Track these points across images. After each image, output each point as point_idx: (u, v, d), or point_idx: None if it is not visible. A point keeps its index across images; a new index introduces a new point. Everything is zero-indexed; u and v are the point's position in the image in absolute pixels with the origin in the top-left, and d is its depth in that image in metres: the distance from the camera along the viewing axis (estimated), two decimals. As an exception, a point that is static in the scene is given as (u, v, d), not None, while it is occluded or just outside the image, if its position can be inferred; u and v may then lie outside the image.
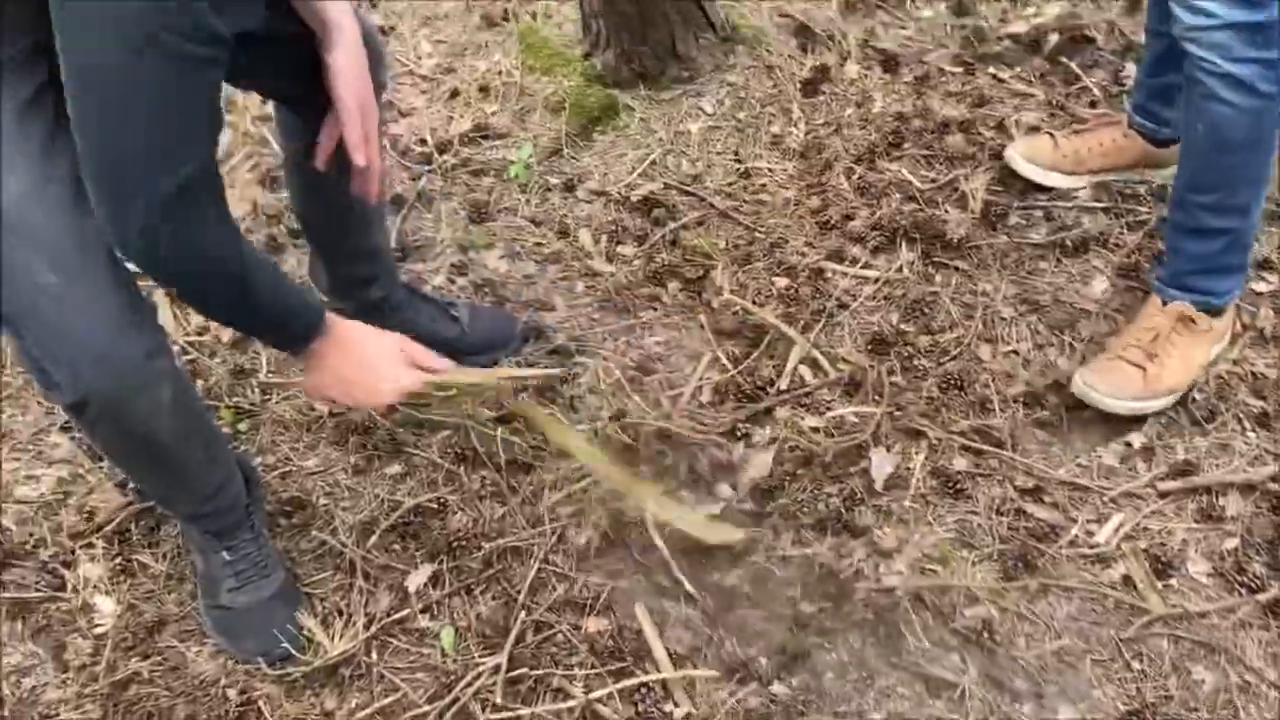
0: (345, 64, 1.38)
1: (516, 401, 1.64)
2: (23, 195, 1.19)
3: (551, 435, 1.70)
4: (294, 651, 1.57)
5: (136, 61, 1.06)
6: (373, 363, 1.41)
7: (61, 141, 1.25)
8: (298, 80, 1.45)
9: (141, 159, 1.11)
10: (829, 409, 1.84)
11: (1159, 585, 1.60)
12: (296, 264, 2.11)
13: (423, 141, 2.33)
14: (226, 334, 2.01)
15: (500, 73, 2.45)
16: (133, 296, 1.30)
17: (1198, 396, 1.81)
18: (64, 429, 1.87)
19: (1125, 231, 2.06)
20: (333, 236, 1.75)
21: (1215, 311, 1.81)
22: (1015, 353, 1.90)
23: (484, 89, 2.42)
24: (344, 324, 1.40)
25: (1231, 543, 1.65)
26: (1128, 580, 1.61)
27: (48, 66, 1.26)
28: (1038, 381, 1.85)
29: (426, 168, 2.28)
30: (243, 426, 1.88)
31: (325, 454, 1.84)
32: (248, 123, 2.38)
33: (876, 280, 2.02)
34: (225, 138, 2.39)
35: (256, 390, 1.92)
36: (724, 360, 1.92)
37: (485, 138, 2.33)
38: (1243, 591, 1.59)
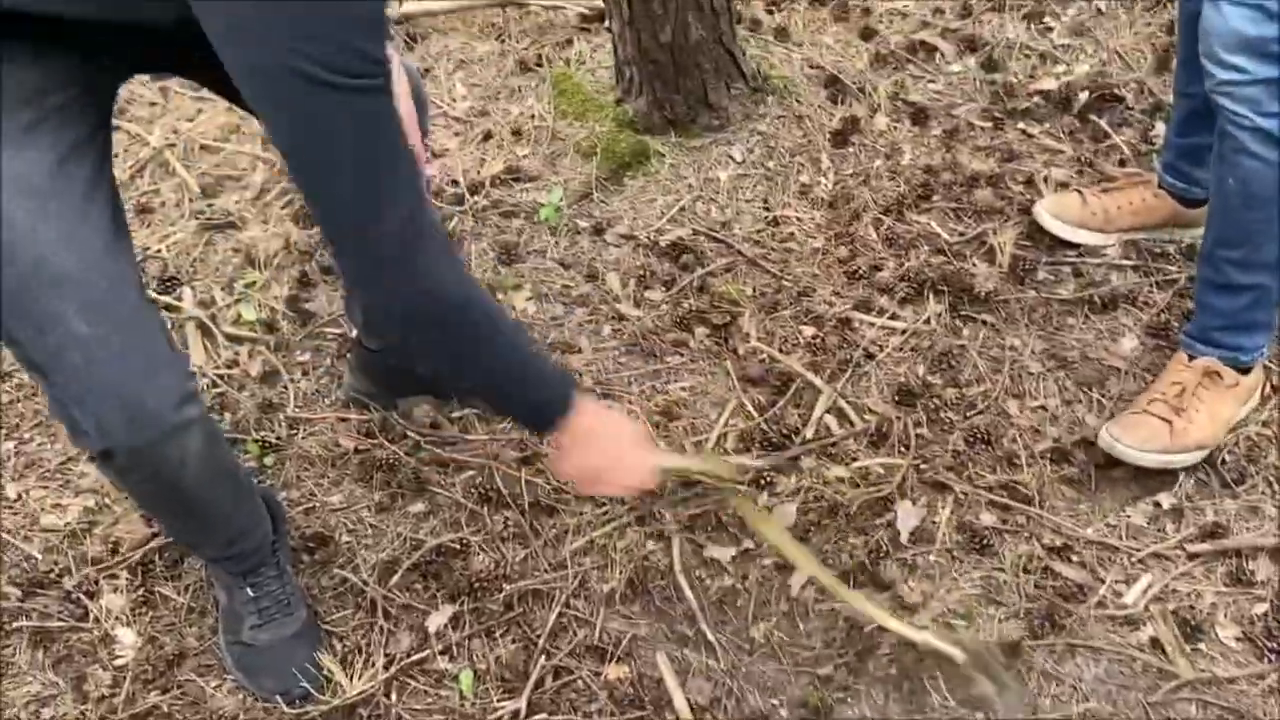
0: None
1: (741, 496, 1.57)
2: (57, 243, 1.19)
3: (768, 537, 1.59)
4: (313, 691, 1.57)
5: (306, 101, 1.04)
6: (629, 451, 1.37)
7: (102, 188, 1.26)
8: None
9: (348, 202, 1.10)
10: (855, 459, 1.83)
11: (1187, 649, 1.58)
12: (327, 301, 2.13)
13: (454, 183, 2.35)
14: (255, 367, 2.03)
15: (533, 117, 2.48)
16: (165, 344, 1.30)
17: (1227, 458, 1.79)
18: (92, 459, 1.88)
19: (1155, 290, 2.06)
20: None
21: (1242, 368, 1.80)
22: (1043, 408, 1.89)
23: (516, 132, 2.45)
24: (594, 402, 1.38)
25: (1261, 608, 1.63)
26: (1156, 643, 1.59)
27: (95, 114, 1.28)
28: (1066, 438, 1.84)
29: (458, 208, 2.30)
30: (269, 461, 1.88)
31: (349, 490, 1.85)
32: (282, 160, 2.41)
33: (904, 331, 2.02)
34: (259, 175, 2.42)
35: (284, 425, 1.93)
36: (749, 407, 1.92)
37: (516, 180, 2.35)
38: (1272, 658, 1.57)
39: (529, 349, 1.30)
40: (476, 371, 1.27)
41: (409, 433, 1.90)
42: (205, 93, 2.44)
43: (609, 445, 1.36)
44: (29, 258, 1.19)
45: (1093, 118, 2.41)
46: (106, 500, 1.83)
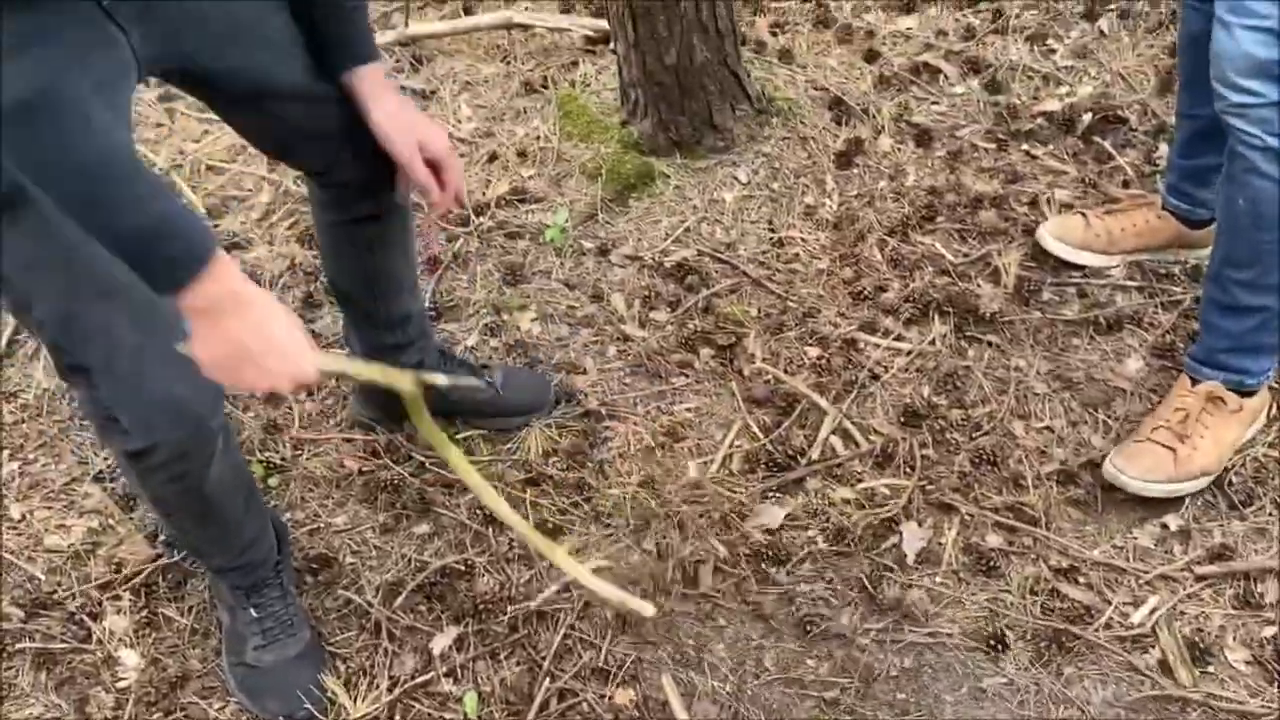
0: (383, 119, 1.43)
1: (422, 416, 1.30)
2: (104, 255, 1.19)
3: (454, 464, 1.37)
4: (316, 713, 1.56)
5: None
6: (283, 335, 1.16)
7: None
8: (324, 151, 1.51)
9: None
10: (860, 481, 1.83)
11: (1196, 672, 1.57)
12: (333, 321, 2.14)
13: (460, 204, 2.36)
14: (261, 393, 2.02)
15: (538, 138, 2.49)
16: None
17: (1234, 480, 1.79)
18: (96, 479, 1.89)
19: (1160, 311, 2.06)
20: (364, 303, 1.77)
21: (1247, 392, 1.79)
22: (1049, 429, 1.89)
23: (522, 153, 2.46)
24: (241, 275, 1.15)
25: (1270, 630, 1.62)
26: (1164, 665, 1.58)
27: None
28: (1072, 460, 1.83)
29: (463, 229, 2.31)
30: (273, 482, 1.88)
31: (354, 511, 1.84)
32: (289, 181, 2.42)
33: (909, 352, 2.02)
34: (265, 196, 2.43)
35: (288, 445, 1.93)
36: (754, 428, 1.92)
37: (522, 201, 2.36)
38: (1283, 681, 1.56)
39: (160, 190, 1.10)
40: (76, 193, 1.07)
41: (413, 454, 1.90)
42: (212, 114, 2.45)
43: (256, 324, 1.14)
44: (77, 270, 1.21)
45: (1096, 139, 2.41)
46: (110, 521, 1.82)
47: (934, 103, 2.54)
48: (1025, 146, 2.42)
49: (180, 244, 1.10)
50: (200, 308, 1.12)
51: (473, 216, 2.33)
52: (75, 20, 1.12)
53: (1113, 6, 2.73)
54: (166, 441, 1.31)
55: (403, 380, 1.26)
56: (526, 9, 2.86)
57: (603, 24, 2.63)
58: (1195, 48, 1.73)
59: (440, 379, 1.31)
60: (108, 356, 1.25)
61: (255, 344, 1.14)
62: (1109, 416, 1.90)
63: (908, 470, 1.83)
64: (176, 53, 1.28)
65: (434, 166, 1.49)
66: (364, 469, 1.89)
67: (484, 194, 2.38)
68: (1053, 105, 2.50)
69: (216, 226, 2.35)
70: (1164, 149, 2.36)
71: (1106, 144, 2.40)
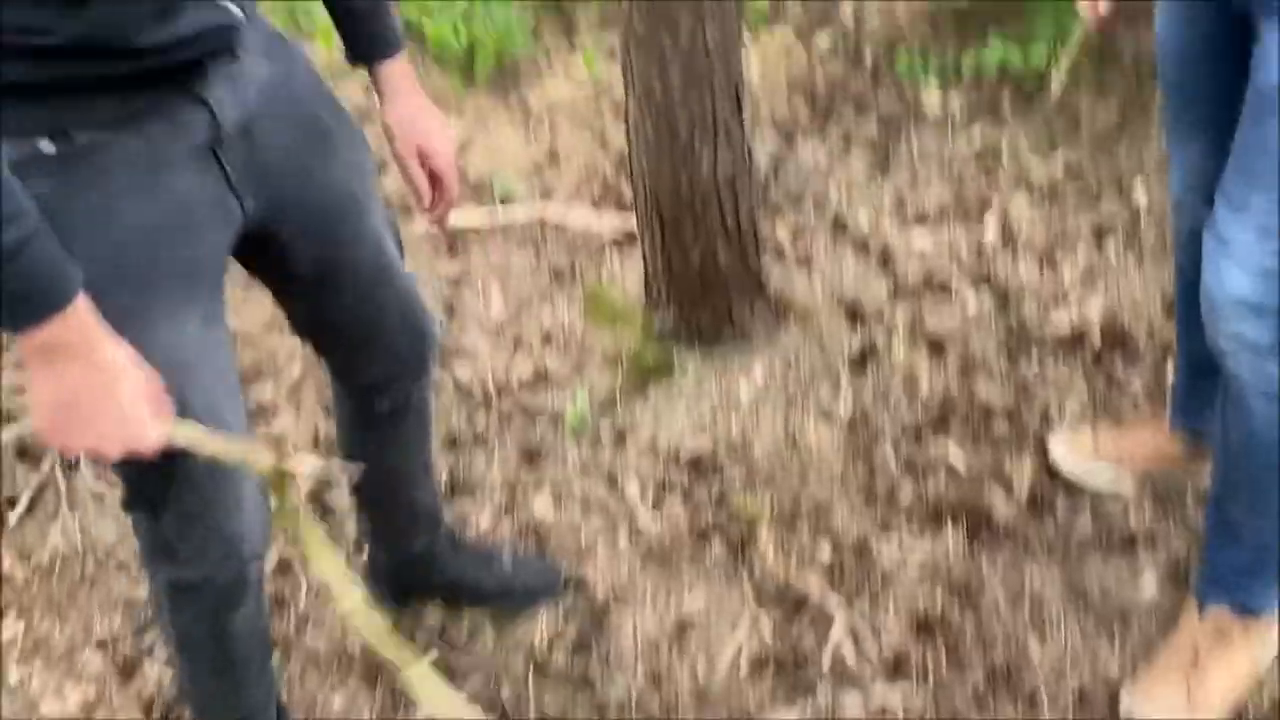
0: (394, 119, 1.47)
1: (282, 501, 1.20)
2: (200, 409, 1.23)
3: (312, 555, 1.27)
4: None
5: None
6: (126, 397, 1.07)
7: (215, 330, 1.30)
8: (349, 352, 1.56)
9: None
10: (871, 691, 1.79)
11: None
12: (348, 491, 2.15)
13: (483, 384, 2.42)
14: (270, 562, 2.03)
15: (563, 324, 2.57)
16: (259, 491, 1.36)
17: (1251, 709, 1.75)
18: (99, 646, 1.86)
19: (1172, 530, 2.06)
20: (376, 495, 1.79)
21: (1256, 619, 1.77)
22: (1064, 647, 1.86)
23: (546, 338, 2.54)
24: (97, 324, 1.05)
25: None
26: None
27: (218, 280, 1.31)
28: (1088, 681, 1.80)
29: (484, 410, 2.36)
30: (275, 658, 1.85)
31: (353, 692, 1.81)
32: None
33: (922, 560, 2.02)
34: (296, 368, 2.50)
35: (292, 621, 1.92)
36: (764, 628, 1.90)
37: (543, 385, 2.42)
38: None
39: (30, 215, 0.99)
40: None
41: (417, 634, 1.88)
42: (254, 284, 2.54)
43: (100, 381, 1.05)
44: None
45: (1105, 357, 2.47)
46: (108, 691, 1.79)
47: (946, 314, 2.62)
48: (1035, 361, 2.48)
49: (43, 277, 1.00)
50: (43, 348, 1.02)
51: (495, 397, 2.38)
52: (196, 184, 1.20)
53: (1120, 229, 2.85)
54: (218, 574, 1.34)
55: (262, 459, 1.16)
56: (559, 204, 3.01)
57: (631, 222, 2.76)
58: (1188, 280, 1.79)
59: (307, 466, 1.17)
60: (179, 491, 1.28)
61: (92, 403, 1.05)
62: (1125, 637, 1.87)
63: (920, 682, 1.80)
64: (268, 226, 1.33)
65: (434, 177, 1.51)
66: (366, 648, 1.86)
67: (506, 376, 2.45)
68: (1062, 322, 2.57)
69: (245, 396, 2.41)
70: (1171, 369, 2.41)
71: (1115, 362, 2.46)
